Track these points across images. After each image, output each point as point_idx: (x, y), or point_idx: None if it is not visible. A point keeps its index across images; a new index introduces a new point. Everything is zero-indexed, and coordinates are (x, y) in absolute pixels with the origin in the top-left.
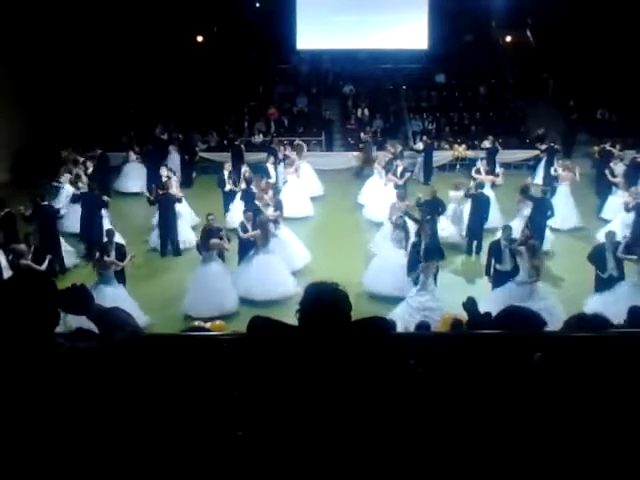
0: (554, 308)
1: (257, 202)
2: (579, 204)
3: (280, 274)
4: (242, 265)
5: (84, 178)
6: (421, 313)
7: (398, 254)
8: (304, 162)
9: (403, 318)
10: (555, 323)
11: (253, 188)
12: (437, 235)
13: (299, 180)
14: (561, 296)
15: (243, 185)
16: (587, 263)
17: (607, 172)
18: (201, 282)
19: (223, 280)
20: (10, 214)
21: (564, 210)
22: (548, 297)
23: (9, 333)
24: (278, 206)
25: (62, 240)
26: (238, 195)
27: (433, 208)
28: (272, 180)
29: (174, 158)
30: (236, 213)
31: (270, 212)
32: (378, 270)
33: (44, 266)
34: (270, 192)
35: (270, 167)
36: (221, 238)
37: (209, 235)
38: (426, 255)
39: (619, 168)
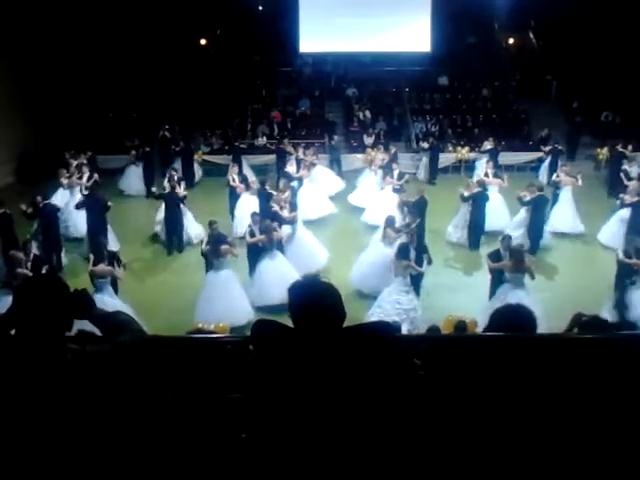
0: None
1: (273, 204)
2: (583, 205)
3: (289, 274)
4: (252, 276)
5: (79, 182)
6: (396, 312)
7: (387, 253)
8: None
9: (372, 311)
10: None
11: (268, 188)
12: (423, 237)
13: (313, 183)
14: (559, 293)
15: (256, 186)
16: (589, 265)
17: (622, 175)
18: (213, 293)
19: (235, 289)
20: (6, 215)
21: (567, 215)
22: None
23: (23, 336)
24: (294, 207)
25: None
26: (241, 200)
27: (421, 208)
28: (294, 183)
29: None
30: (242, 220)
31: (286, 213)
32: (365, 268)
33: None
34: (287, 193)
35: (291, 169)
36: (230, 244)
37: (218, 241)
38: (415, 257)
39: (634, 171)
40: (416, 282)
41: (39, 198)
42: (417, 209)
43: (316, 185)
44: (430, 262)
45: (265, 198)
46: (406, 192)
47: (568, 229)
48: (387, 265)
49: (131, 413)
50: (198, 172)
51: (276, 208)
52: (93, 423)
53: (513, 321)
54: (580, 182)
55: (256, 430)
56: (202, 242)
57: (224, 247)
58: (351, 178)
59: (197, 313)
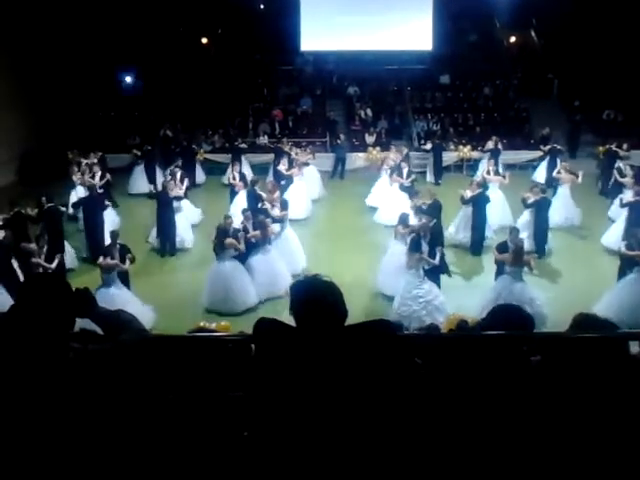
0: (540, 313)
1: (265, 203)
2: (584, 204)
3: (281, 269)
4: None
5: (91, 181)
6: (421, 306)
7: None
8: (310, 165)
9: (399, 309)
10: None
11: (257, 189)
12: (439, 239)
13: (303, 182)
14: (562, 294)
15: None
16: (593, 266)
17: (616, 172)
18: (216, 280)
19: (238, 278)
20: (19, 213)
21: (564, 211)
22: (537, 300)
23: (25, 335)
24: (284, 206)
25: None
26: (237, 197)
27: (435, 211)
28: (283, 182)
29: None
30: (237, 217)
31: (277, 212)
32: (389, 271)
33: (54, 264)
34: (277, 193)
35: (282, 167)
36: (238, 239)
37: (224, 235)
38: (428, 251)
39: (629, 169)
40: (434, 279)
41: (44, 199)
42: (432, 212)
43: (306, 184)
44: (443, 255)
45: (253, 198)
46: (419, 195)
47: (554, 223)
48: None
49: (133, 411)
50: (200, 174)
51: (267, 206)
52: (95, 421)
53: (509, 319)
54: (580, 180)
55: (258, 428)
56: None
57: (228, 240)
58: (351, 177)
59: (203, 298)
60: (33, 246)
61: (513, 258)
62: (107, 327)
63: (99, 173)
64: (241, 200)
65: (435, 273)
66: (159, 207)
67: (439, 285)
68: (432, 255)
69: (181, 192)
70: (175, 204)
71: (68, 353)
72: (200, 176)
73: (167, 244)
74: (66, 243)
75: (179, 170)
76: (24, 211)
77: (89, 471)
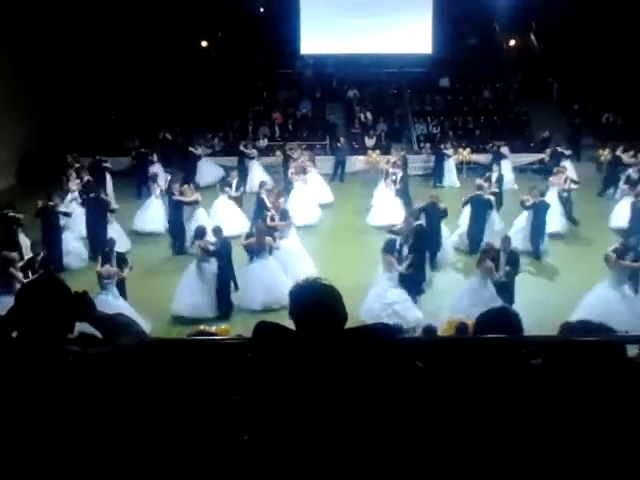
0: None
1: (271, 211)
2: (584, 206)
3: (277, 277)
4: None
5: (74, 187)
6: (380, 302)
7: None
8: (312, 170)
9: (371, 310)
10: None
11: (263, 192)
12: (430, 241)
13: (306, 188)
14: (556, 298)
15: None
16: (585, 266)
17: (624, 179)
18: (186, 281)
19: (207, 280)
20: (5, 217)
21: (549, 215)
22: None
23: (25, 338)
24: (284, 216)
25: (73, 242)
26: (216, 201)
27: (430, 214)
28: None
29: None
30: (214, 218)
31: (277, 220)
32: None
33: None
34: (281, 199)
35: (295, 176)
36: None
37: (199, 236)
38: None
39: (635, 176)
40: (409, 285)
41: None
42: (427, 215)
43: (311, 190)
44: (421, 262)
45: (258, 203)
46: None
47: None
48: None
49: (133, 416)
50: (208, 176)
51: (268, 214)
52: (94, 425)
53: (498, 324)
54: (567, 186)
55: (258, 432)
56: (241, 237)
57: (198, 242)
58: (351, 179)
59: (172, 305)
60: (14, 255)
61: (478, 261)
62: (106, 330)
63: (86, 178)
64: (220, 204)
65: (410, 279)
66: (167, 209)
67: (414, 292)
68: (407, 261)
69: (185, 198)
70: (189, 209)
71: (67, 357)
72: (207, 177)
73: (176, 243)
74: (64, 245)
75: (165, 175)
76: (12, 214)
77: (88, 475)
